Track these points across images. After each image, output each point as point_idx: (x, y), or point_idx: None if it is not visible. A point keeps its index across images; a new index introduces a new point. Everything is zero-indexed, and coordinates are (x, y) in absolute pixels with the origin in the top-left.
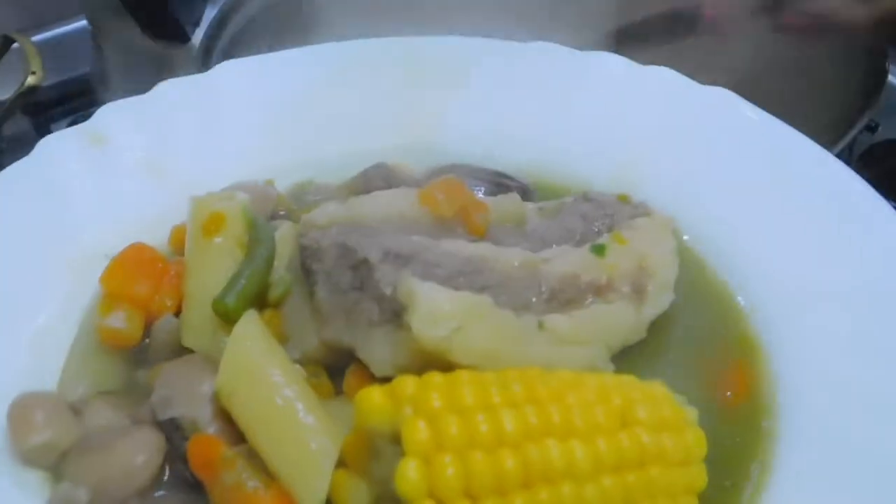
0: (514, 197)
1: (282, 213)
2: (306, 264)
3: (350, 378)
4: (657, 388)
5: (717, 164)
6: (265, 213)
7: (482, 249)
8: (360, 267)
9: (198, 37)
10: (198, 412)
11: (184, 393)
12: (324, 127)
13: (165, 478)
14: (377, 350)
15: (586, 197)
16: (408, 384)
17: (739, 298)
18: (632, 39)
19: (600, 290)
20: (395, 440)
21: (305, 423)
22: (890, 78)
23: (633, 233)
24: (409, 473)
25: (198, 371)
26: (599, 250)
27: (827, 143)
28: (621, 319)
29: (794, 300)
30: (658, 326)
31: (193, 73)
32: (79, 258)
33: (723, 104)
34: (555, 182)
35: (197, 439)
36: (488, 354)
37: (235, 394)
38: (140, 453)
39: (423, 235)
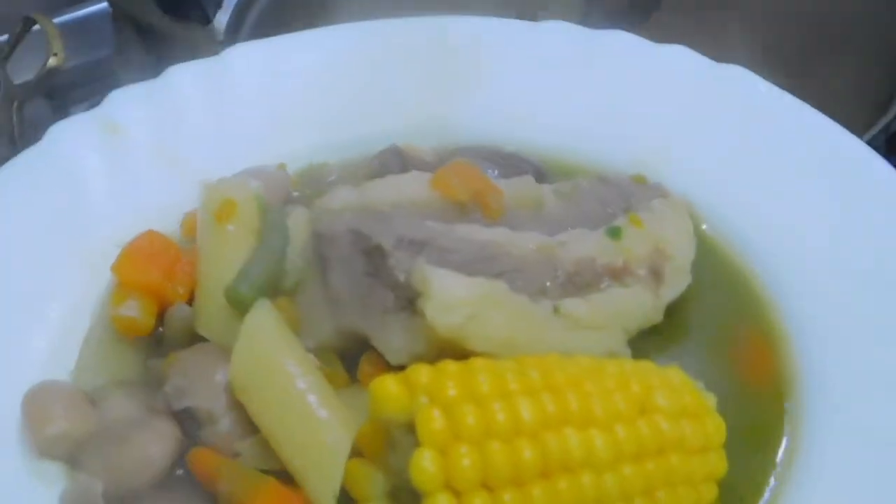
0: (529, 179)
1: (295, 194)
2: (320, 250)
3: (364, 366)
4: (676, 375)
5: (734, 144)
6: (278, 198)
7: (497, 234)
8: (374, 253)
9: (220, 19)
10: (213, 403)
11: (198, 382)
12: (336, 109)
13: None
14: (392, 338)
15: (602, 179)
16: (422, 373)
17: (759, 279)
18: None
19: (617, 274)
20: (411, 430)
21: (319, 416)
22: None
23: (650, 215)
24: (425, 464)
25: (212, 360)
26: (616, 233)
27: (862, 127)
28: (638, 303)
29: (816, 281)
30: (675, 309)
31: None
32: (90, 248)
33: (740, 82)
34: (568, 163)
35: (194, 453)
36: (504, 341)
37: (249, 386)
38: (156, 444)
39: (436, 220)
